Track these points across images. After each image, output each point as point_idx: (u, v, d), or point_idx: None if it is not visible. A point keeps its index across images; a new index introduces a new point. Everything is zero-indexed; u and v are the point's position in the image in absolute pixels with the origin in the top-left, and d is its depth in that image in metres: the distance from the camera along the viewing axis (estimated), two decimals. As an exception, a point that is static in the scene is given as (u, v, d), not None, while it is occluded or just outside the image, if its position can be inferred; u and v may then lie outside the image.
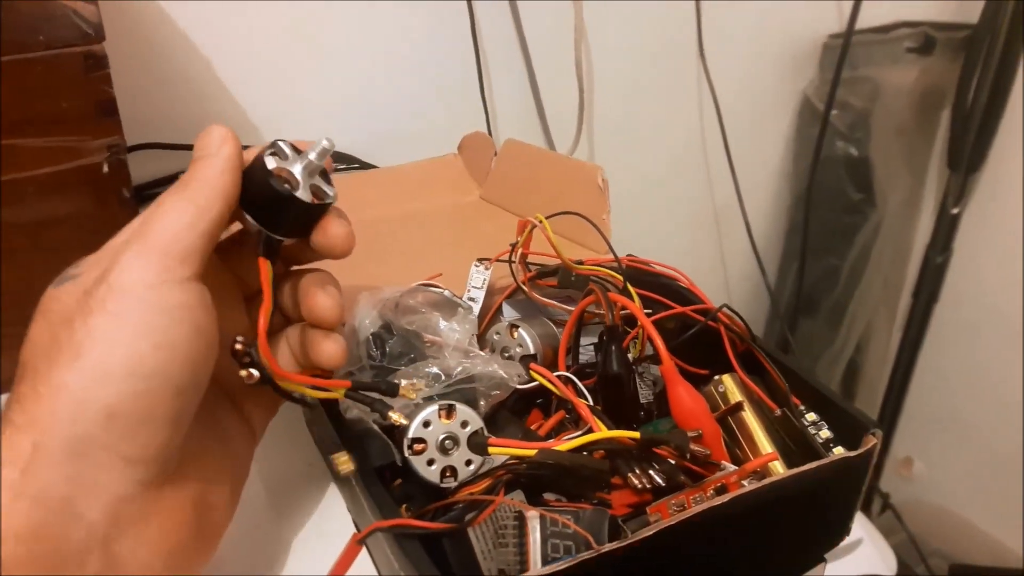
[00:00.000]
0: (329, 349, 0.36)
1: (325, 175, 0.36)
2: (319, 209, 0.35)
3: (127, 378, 0.28)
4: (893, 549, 0.64)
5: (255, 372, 0.33)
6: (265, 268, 0.34)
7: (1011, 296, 1.21)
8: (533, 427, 0.45)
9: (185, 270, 0.30)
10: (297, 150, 0.35)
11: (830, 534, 0.42)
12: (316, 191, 0.34)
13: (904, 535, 1.37)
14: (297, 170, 0.34)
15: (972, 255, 1.26)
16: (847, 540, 0.61)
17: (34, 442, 0.27)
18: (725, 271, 1.27)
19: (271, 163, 0.33)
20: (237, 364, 0.33)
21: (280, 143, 0.34)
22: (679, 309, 0.46)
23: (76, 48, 0.44)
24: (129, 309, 0.28)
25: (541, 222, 0.48)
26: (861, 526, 0.63)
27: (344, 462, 0.37)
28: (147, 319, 0.29)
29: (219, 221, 0.32)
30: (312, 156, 0.34)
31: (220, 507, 0.34)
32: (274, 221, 0.34)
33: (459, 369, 0.40)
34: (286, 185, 0.33)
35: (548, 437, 0.43)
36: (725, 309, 0.46)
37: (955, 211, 1.23)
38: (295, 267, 0.39)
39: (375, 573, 0.41)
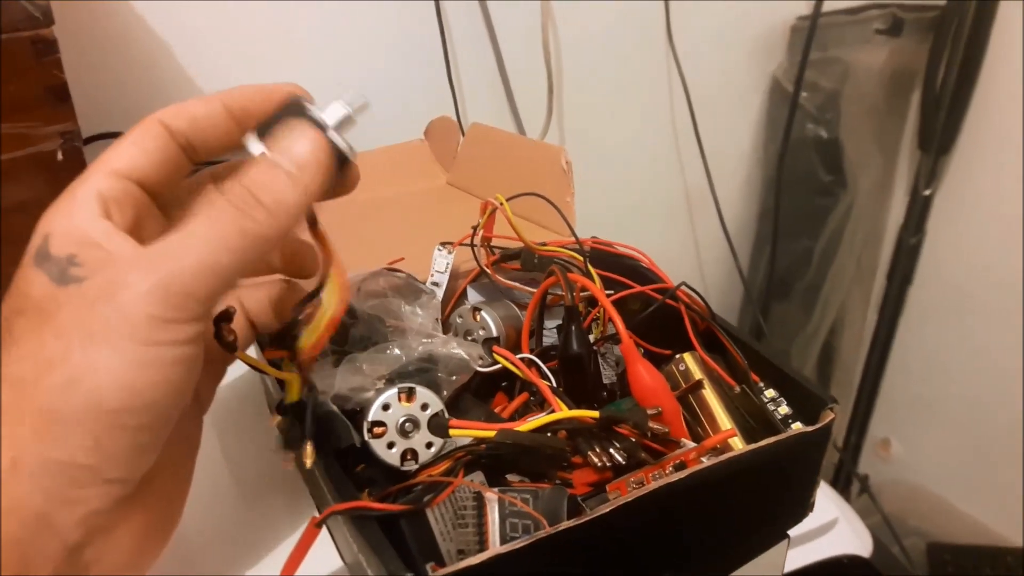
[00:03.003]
0: None
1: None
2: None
3: (119, 412, 0.27)
4: (872, 530, 0.65)
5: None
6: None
7: (984, 276, 1.22)
8: (497, 409, 0.45)
9: (199, 309, 0.28)
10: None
11: (791, 511, 0.42)
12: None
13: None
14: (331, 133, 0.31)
15: (945, 236, 1.27)
16: (823, 520, 0.62)
17: (13, 458, 0.26)
18: (698, 256, 1.27)
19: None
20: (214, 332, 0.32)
21: (303, 104, 0.31)
22: (637, 288, 0.46)
23: (24, 32, 0.43)
24: (134, 346, 0.26)
25: (502, 204, 0.47)
26: (837, 507, 0.63)
27: (309, 454, 0.37)
28: (149, 355, 0.27)
29: (260, 265, 0.29)
30: (351, 112, 0.31)
31: (181, 496, 0.34)
32: None
33: (419, 349, 0.40)
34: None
35: (512, 419, 0.43)
36: (684, 287, 0.46)
37: (927, 192, 1.24)
38: None
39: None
